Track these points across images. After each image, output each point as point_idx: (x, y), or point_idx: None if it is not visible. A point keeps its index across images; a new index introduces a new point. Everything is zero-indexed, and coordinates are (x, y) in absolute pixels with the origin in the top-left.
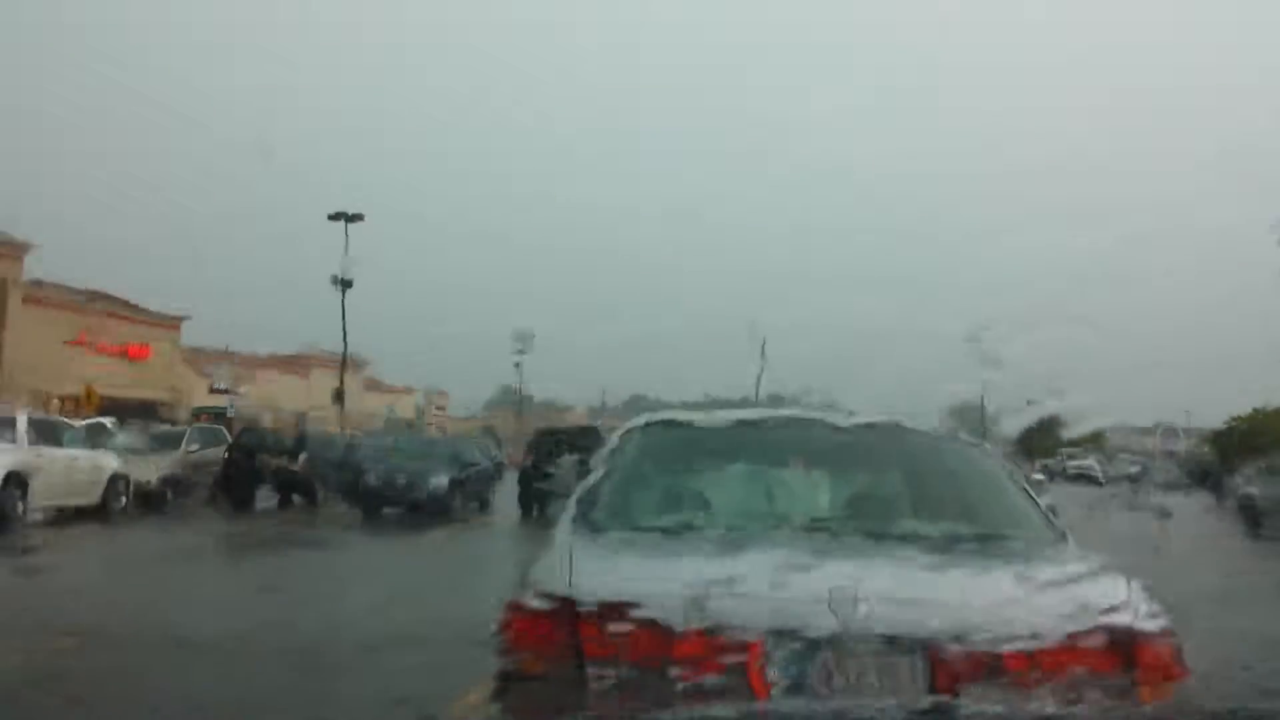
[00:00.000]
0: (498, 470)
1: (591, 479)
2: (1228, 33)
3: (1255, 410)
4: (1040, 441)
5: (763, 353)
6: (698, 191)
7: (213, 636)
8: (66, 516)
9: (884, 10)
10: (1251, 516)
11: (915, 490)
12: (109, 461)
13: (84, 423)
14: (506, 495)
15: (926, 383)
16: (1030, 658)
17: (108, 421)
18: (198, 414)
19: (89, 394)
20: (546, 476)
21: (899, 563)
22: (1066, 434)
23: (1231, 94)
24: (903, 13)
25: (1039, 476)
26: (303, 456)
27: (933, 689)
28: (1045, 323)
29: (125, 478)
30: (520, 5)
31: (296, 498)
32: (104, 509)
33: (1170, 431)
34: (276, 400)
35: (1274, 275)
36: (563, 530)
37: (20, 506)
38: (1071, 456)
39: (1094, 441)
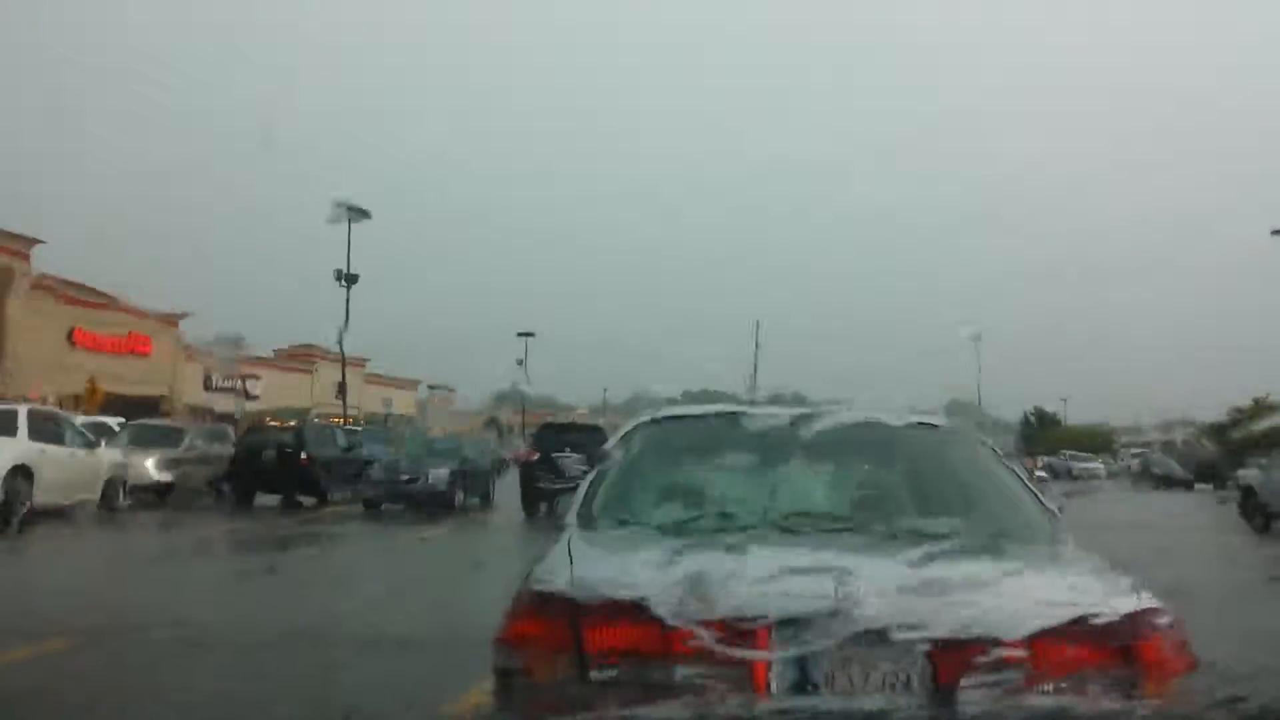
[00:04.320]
0: (499, 467)
1: (594, 476)
2: (1240, 33)
3: (1256, 401)
4: (1043, 437)
5: (756, 346)
6: (699, 188)
7: (213, 633)
8: (68, 512)
9: (885, 10)
10: (1251, 507)
11: (918, 486)
12: (110, 458)
13: (86, 419)
14: (507, 491)
15: (926, 380)
16: (1032, 653)
17: (110, 419)
18: (197, 413)
19: (93, 389)
20: (550, 471)
21: (901, 559)
22: (1070, 432)
23: (1233, 95)
24: (904, 12)
25: (1041, 474)
26: (305, 454)
27: (935, 685)
28: (1047, 322)
29: (126, 474)
30: (533, 6)
31: (300, 494)
32: (105, 505)
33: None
34: (281, 397)
35: (1272, 271)
36: (566, 527)
37: (23, 502)
38: (1075, 457)
39: (1099, 438)
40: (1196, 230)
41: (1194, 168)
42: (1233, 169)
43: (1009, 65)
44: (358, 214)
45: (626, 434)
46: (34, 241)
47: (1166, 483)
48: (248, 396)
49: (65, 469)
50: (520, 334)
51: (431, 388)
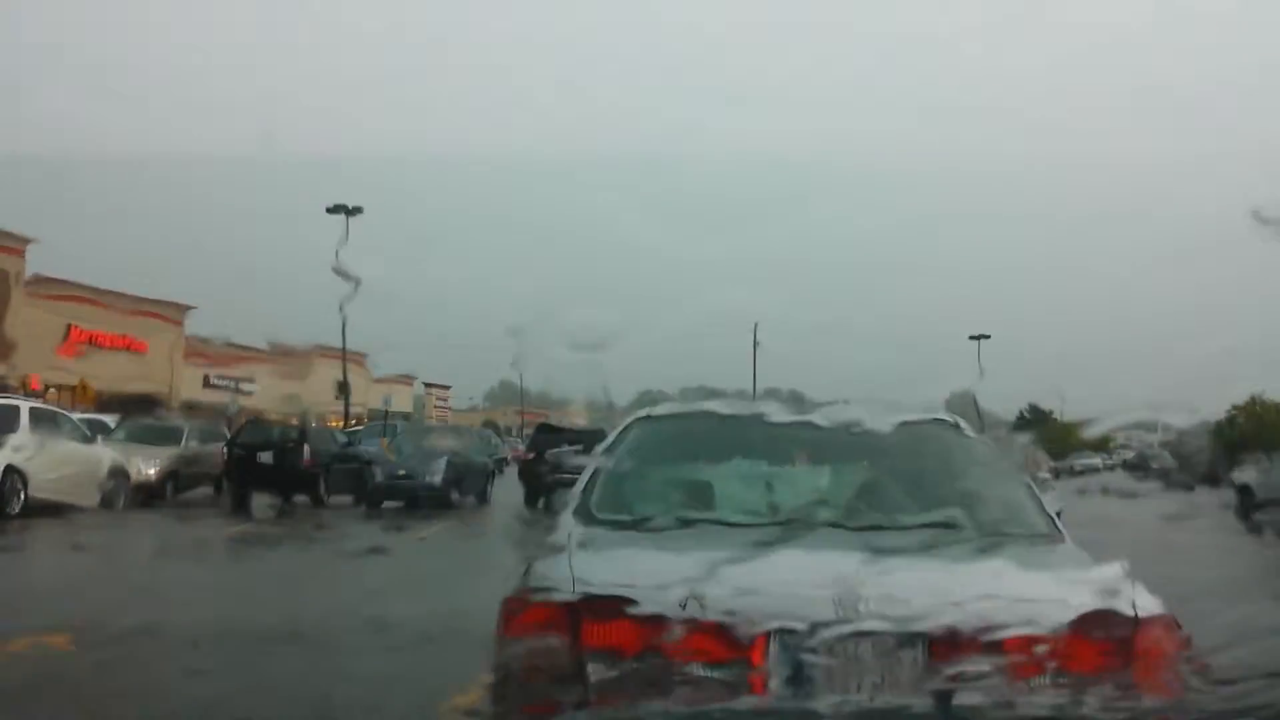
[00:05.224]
0: (499, 466)
1: (593, 473)
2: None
3: (1253, 398)
4: (1040, 435)
5: (755, 345)
6: (699, 185)
7: (213, 631)
8: (65, 510)
9: (886, 10)
10: (1248, 506)
11: (917, 485)
12: (108, 455)
13: (83, 415)
14: (506, 490)
15: (926, 380)
16: (1031, 650)
17: (107, 417)
18: (192, 410)
19: (83, 386)
20: (546, 468)
21: (900, 556)
22: (1065, 432)
23: (1226, 88)
24: (904, 12)
25: (1045, 475)
26: (305, 451)
27: (934, 684)
28: (1047, 321)
29: (124, 472)
30: (524, 3)
31: (298, 493)
32: (103, 503)
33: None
34: (277, 395)
35: (1267, 263)
36: (564, 523)
37: (19, 499)
38: (1079, 457)
39: (1100, 440)
40: (1196, 229)
41: (1194, 167)
42: (1234, 167)
43: (1009, 64)
44: (353, 211)
45: (624, 430)
46: (28, 240)
47: (1164, 479)
48: (239, 392)
49: (63, 466)
50: (513, 328)
51: (427, 385)
